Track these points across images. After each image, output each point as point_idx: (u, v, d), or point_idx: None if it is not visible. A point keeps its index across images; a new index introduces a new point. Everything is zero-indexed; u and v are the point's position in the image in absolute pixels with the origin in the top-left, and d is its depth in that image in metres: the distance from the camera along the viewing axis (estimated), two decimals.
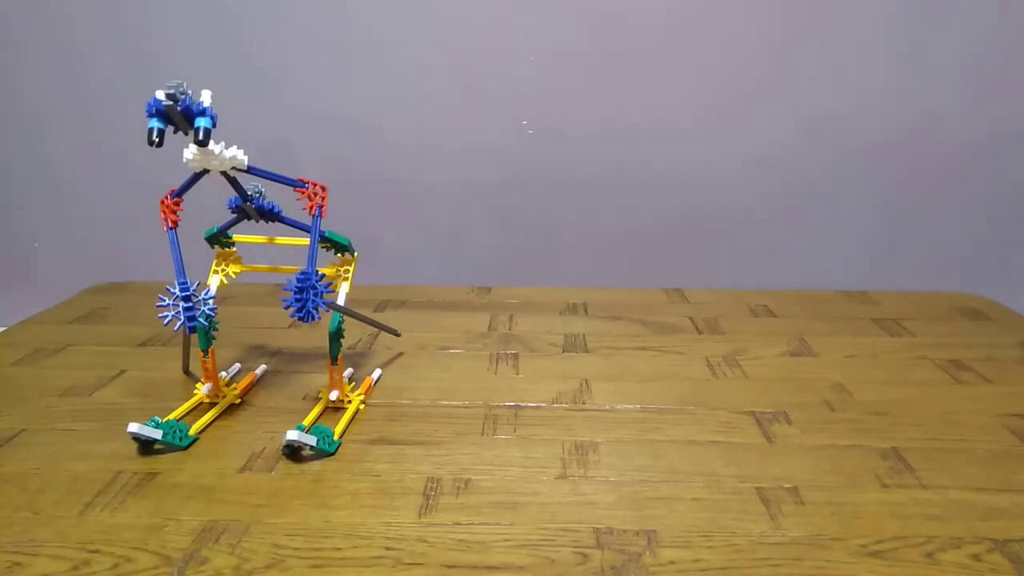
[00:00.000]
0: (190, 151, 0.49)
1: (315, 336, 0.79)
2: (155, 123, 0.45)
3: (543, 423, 0.60)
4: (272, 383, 0.67)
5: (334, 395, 0.60)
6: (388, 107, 1.05)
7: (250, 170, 0.53)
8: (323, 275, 0.53)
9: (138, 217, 1.11)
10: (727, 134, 1.05)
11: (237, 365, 0.70)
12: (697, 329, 0.82)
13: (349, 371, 0.68)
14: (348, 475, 0.52)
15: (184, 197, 0.55)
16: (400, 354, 0.74)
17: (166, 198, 0.55)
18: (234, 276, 0.64)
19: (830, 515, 0.47)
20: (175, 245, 0.54)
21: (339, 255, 0.63)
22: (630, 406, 0.63)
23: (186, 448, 0.55)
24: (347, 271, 0.62)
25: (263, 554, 0.44)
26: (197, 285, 0.56)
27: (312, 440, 0.53)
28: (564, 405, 0.63)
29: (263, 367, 0.69)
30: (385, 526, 0.46)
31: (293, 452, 0.54)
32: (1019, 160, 1.05)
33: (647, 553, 0.44)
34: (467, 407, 0.63)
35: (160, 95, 0.45)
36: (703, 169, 1.07)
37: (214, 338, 0.60)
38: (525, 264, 1.14)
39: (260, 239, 0.63)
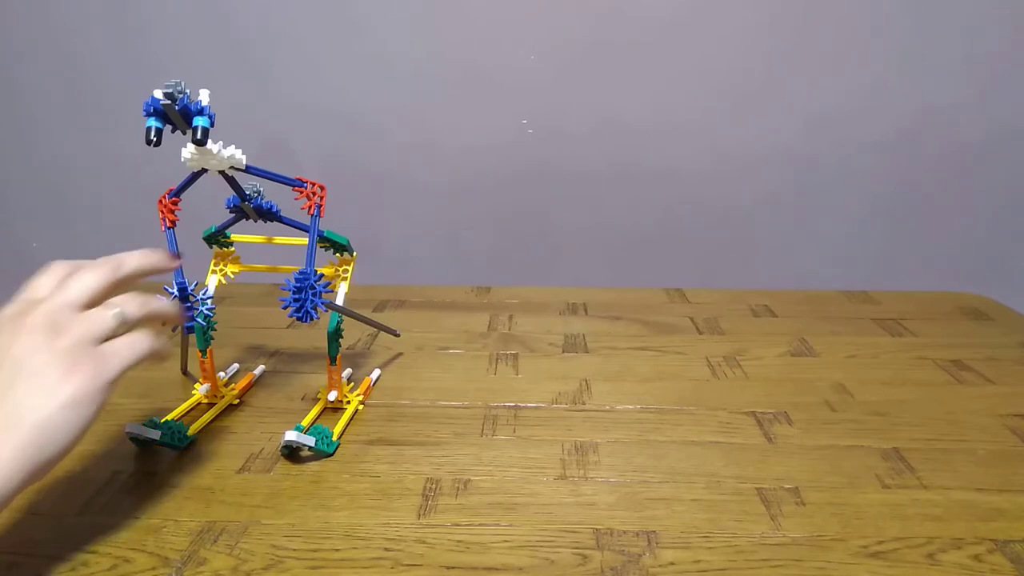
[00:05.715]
0: (188, 150, 0.49)
1: (314, 336, 0.78)
2: (153, 122, 0.45)
3: (543, 423, 0.60)
4: (270, 383, 0.67)
5: (333, 395, 0.60)
6: (387, 106, 1.05)
7: (248, 169, 0.52)
8: (322, 275, 0.53)
9: (136, 216, 1.11)
10: (728, 132, 1.05)
11: (235, 365, 0.70)
12: (697, 329, 0.81)
13: (348, 371, 0.68)
14: (347, 476, 0.52)
15: (182, 197, 0.55)
16: (399, 354, 0.74)
17: (164, 198, 0.55)
18: (232, 276, 0.64)
19: (831, 516, 0.47)
20: (173, 245, 0.54)
21: (338, 255, 0.63)
22: (630, 406, 0.63)
23: (184, 448, 0.55)
24: (346, 271, 0.62)
25: (261, 555, 0.43)
26: (195, 285, 0.56)
27: (311, 441, 0.53)
28: (564, 405, 0.63)
29: (261, 367, 0.69)
30: (384, 527, 0.46)
31: (292, 453, 0.54)
32: (1021, 159, 1.05)
33: (647, 554, 0.44)
34: (466, 407, 0.62)
35: (158, 94, 0.44)
36: (704, 168, 1.07)
37: (212, 338, 0.60)
38: (525, 264, 1.13)
39: (258, 239, 0.63)
